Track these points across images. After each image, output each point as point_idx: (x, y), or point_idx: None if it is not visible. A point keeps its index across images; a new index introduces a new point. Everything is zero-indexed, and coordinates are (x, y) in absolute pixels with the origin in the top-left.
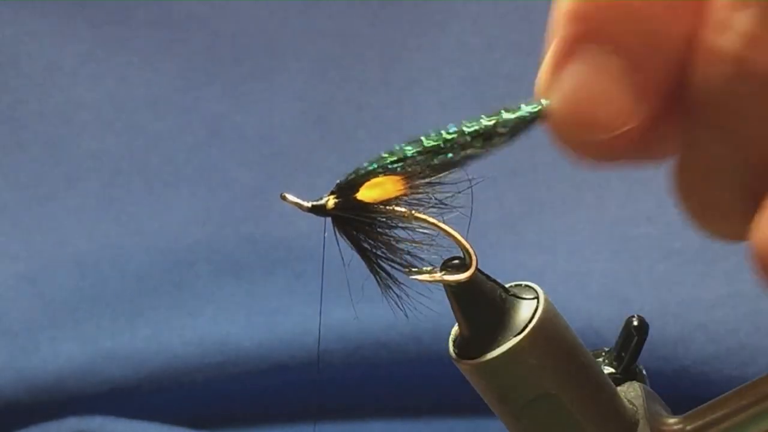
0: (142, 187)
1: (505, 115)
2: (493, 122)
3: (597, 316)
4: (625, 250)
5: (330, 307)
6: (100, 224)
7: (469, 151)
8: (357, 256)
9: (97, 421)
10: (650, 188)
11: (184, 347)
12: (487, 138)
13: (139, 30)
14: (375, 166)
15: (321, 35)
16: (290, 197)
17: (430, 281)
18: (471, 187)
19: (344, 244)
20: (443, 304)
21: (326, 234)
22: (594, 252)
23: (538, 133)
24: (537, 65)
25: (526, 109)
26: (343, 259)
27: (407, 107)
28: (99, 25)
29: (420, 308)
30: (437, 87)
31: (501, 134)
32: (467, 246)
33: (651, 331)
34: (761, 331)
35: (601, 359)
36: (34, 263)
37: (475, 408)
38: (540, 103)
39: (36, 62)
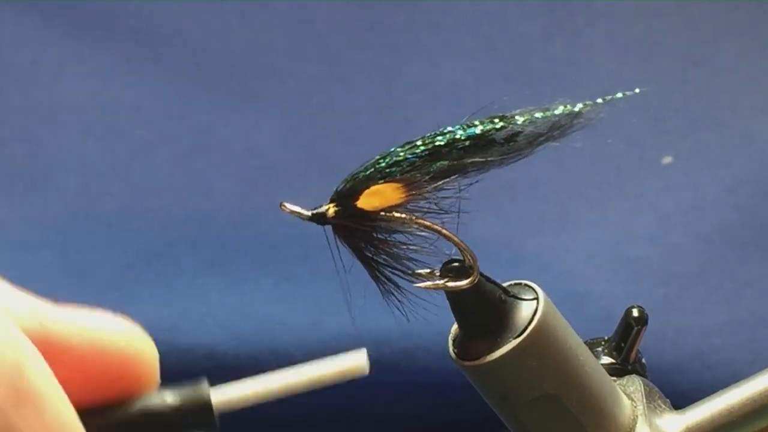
0: (124, 191)
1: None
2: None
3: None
4: (625, 272)
5: (325, 318)
6: (79, 220)
7: (466, 160)
8: (351, 264)
9: None
10: (654, 208)
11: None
12: (480, 145)
13: (124, 36)
14: (371, 171)
15: (308, 57)
16: (289, 206)
17: (433, 288)
18: (460, 191)
19: (337, 251)
20: (442, 308)
21: (327, 242)
22: (592, 273)
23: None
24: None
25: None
26: (344, 266)
27: (394, 129)
28: (84, 27)
29: (421, 314)
30: (425, 109)
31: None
32: (469, 251)
33: (647, 357)
34: (758, 360)
35: (600, 348)
36: (15, 256)
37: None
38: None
39: (19, 58)
